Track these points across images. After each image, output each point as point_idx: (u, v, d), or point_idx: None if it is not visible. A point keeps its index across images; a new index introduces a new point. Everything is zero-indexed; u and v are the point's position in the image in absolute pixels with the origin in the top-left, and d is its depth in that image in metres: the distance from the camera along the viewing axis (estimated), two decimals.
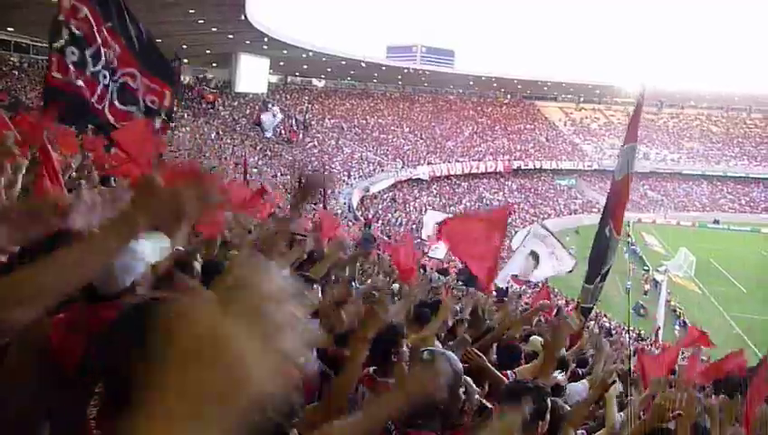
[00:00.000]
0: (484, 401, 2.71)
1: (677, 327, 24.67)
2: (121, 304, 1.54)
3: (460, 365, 2.14)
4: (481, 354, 3.17)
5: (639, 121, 7.20)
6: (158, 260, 1.90)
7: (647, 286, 30.82)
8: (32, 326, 1.24)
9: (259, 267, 0.61)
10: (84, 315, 1.65)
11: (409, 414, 2.02)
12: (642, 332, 22.26)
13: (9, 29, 28.99)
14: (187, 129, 33.04)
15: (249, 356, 0.54)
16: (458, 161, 48.28)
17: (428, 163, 46.04)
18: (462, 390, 2.11)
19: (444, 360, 2.13)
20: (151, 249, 1.85)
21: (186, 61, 37.19)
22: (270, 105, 39.07)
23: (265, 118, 37.51)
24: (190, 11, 25.60)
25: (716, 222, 47.41)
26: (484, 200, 46.39)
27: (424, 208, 41.51)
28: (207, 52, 36.01)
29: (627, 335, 9.22)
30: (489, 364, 3.15)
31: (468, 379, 2.60)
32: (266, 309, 0.57)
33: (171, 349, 0.54)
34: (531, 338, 7.14)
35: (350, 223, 27.88)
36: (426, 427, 2.00)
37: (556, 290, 27.30)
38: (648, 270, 33.83)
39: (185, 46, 33.37)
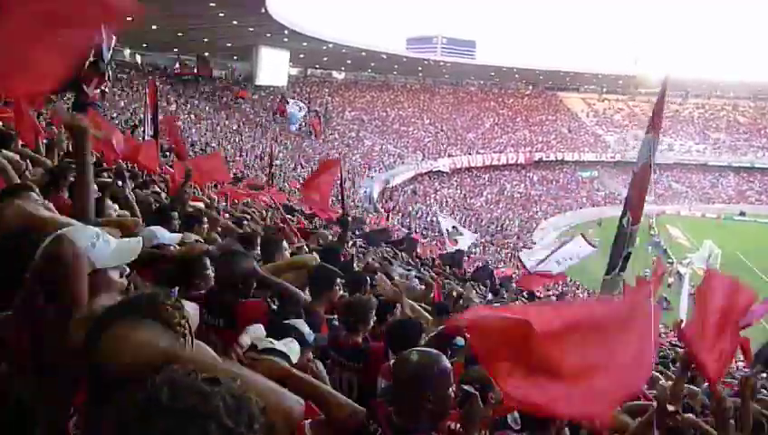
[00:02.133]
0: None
1: None
2: None
3: (448, 364, 2.12)
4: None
5: (663, 111, 7.04)
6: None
7: (670, 279, 30.43)
8: None
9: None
10: None
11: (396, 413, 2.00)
12: (666, 324, 21.99)
13: None
14: (208, 122, 33.33)
15: None
16: (479, 153, 48.02)
17: (449, 155, 45.87)
18: (451, 390, 2.08)
19: (434, 359, 2.11)
20: (114, 252, 1.78)
21: (207, 54, 37.54)
22: (290, 100, 39.21)
23: (291, 110, 37.61)
24: (211, 4, 25.78)
25: (743, 214, 46.54)
26: (506, 192, 46.15)
27: (445, 200, 41.45)
28: (228, 45, 36.24)
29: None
30: None
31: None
32: None
33: None
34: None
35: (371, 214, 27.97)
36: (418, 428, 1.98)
37: (577, 282, 27.11)
38: (671, 263, 33.37)
39: (206, 40, 33.67)
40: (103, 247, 1.72)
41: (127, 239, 1.90)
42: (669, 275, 31.19)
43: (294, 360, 2.16)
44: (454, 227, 21.31)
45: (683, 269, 30.88)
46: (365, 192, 34.77)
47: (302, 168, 33.28)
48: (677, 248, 35.84)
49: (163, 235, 3.41)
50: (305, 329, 2.75)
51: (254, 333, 2.29)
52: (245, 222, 6.77)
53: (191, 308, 1.85)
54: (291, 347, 2.23)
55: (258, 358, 1.92)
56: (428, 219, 36.57)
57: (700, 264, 29.12)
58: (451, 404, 2.08)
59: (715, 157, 54.25)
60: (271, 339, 2.23)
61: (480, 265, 21.07)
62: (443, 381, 2.01)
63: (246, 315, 2.84)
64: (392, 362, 2.52)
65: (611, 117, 58.41)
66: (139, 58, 37.31)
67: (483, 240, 36.69)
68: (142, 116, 18.97)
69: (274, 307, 3.26)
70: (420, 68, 52.01)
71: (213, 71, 39.09)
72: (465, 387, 2.60)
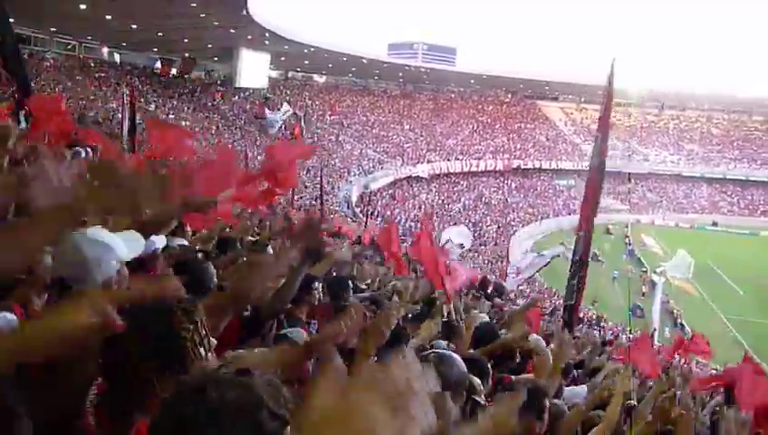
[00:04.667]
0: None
1: (668, 329, 24.76)
2: None
3: (464, 366, 2.17)
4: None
5: (611, 108, 7.01)
6: (132, 258, 1.92)
7: (644, 288, 30.88)
8: None
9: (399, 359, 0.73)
10: None
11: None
12: (639, 333, 22.27)
13: (10, 20, 28.91)
14: (187, 123, 33.02)
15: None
16: (458, 159, 48.25)
17: (428, 161, 46.01)
18: (465, 390, 2.13)
19: (451, 361, 2.16)
20: (126, 246, 1.87)
21: (187, 55, 37.23)
22: (279, 105, 39.02)
23: (270, 115, 37.44)
24: (192, 4, 25.56)
25: (715, 224, 47.48)
26: (483, 199, 46.42)
27: (423, 206, 41.54)
28: (209, 46, 35.97)
29: (624, 334, 9.23)
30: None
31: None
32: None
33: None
34: (530, 337, 7.14)
35: (350, 219, 27.89)
36: None
37: (554, 290, 27.35)
38: (645, 271, 33.87)
39: (186, 40, 33.34)
40: (120, 241, 1.83)
41: (128, 235, 1.96)
42: (643, 283, 31.67)
43: None
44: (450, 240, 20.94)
45: (656, 278, 31.37)
46: (344, 196, 34.70)
47: None
48: (651, 257, 36.37)
49: (159, 239, 3.39)
50: (300, 336, 2.73)
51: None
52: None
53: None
54: None
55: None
56: (407, 225, 36.62)
57: (674, 273, 29.66)
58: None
59: (689, 168, 55.27)
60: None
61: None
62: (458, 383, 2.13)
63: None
64: None
65: (589, 126, 59.13)
66: (117, 57, 36.83)
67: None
68: (119, 115, 18.81)
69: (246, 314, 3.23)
70: (401, 74, 52.19)
71: (192, 72, 38.84)
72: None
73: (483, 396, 2.67)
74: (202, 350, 1.36)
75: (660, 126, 60.08)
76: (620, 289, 28.20)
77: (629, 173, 50.71)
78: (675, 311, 27.59)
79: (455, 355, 2.34)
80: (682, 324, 25.63)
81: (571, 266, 7.28)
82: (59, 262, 1.80)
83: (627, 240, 40.41)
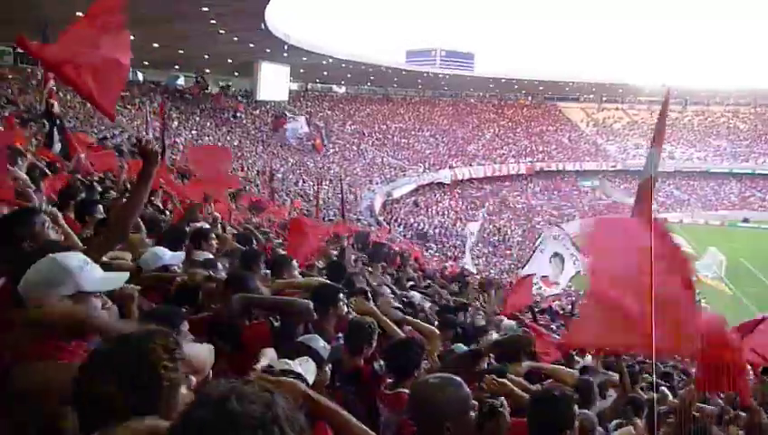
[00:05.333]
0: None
1: None
2: None
3: (467, 390, 2.14)
4: (504, 381, 3.11)
5: (665, 124, 6.98)
6: (104, 291, 2.00)
7: None
8: None
9: None
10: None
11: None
12: None
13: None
14: (210, 138, 33.42)
15: None
16: (480, 164, 48.08)
17: (450, 167, 45.90)
18: (472, 413, 2.10)
19: (452, 385, 2.12)
20: (99, 279, 1.96)
21: (207, 71, 37.75)
22: (294, 117, 39.34)
23: (289, 126, 37.77)
24: (212, 21, 25.90)
25: (746, 221, 46.45)
26: (507, 203, 46.15)
27: (446, 212, 41.42)
28: (230, 61, 36.44)
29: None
30: (513, 387, 3.09)
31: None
32: None
33: None
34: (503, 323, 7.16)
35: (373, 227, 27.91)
36: None
37: (580, 292, 26.96)
38: None
39: (207, 56, 33.84)
40: (91, 272, 1.91)
41: (114, 274, 2.12)
42: None
43: (311, 379, 2.15)
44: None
45: None
46: (367, 205, 34.77)
47: (304, 182, 33.32)
48: None
49: (164, 254, 3.47)
50: (319, 344, 2.72)
51: (269, 356, 2.30)
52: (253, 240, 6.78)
53: (206, 349, 1.95)
54: (306, 367, 2.22)
55: (279, 380, 1.90)
56: (430, 232, 36.56)
57: (705, 271, 29.02)
58: (472, 427, 2.09)
59: (717, 164, 54.25)
60: (286, 360, 2.22)
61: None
62: (462, 407, 2.04)
63: (252, 338, 2.85)
64: (412, 386, 2.48)
65: (611, 126, 58.52)
66: (141, 75, 37.55)
67: (485, 250, 36.64)
68: (144, 133, 19.09)
69: (277, 325, 3.25)
70: (420, 81, 52.22)
71: (210, 87, 39.41)
72: (491, 401, 2.57)
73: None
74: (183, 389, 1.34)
75: (685, 122, 59.10)
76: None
77: (654, 174, 49.86)
78: (707, 309, 27.02)
79: (457, 378, 2.29)
80: None
81: None
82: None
83: None
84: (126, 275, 2.14)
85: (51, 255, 1.91)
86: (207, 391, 1.02)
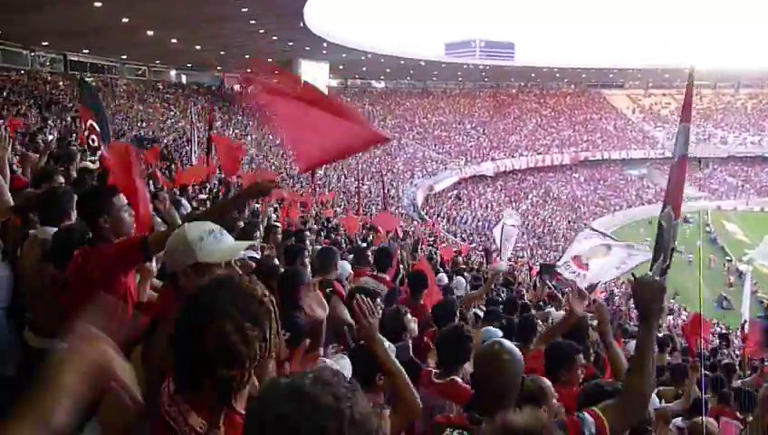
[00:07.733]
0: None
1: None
2: None
3: (520, 354, 2.14)
4: None
5: (692, 101, 6.69)
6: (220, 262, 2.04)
7: (731, 278, 29.28)
8: None
9: None
10: None
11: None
12: (728, 325, 21.16)
13: (85, 51, 30.68)
14: (253, 136, 33.93)
15: None
16: (523, 155, 47.42)
17: (492, 159, 45.43)
18: (520, 379, 2.10)
19: (508, 352, 2.11)
20: (216, 251, 1.98)
21: (249, 71, 38.22)
22: None
23: None
24: (251, 22, 26.25)
25: None
26: (552, 194, 45.38)
27: (490, 205, 41.02)
28: (269, 60, 36.82)
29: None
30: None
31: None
32: None
33: None
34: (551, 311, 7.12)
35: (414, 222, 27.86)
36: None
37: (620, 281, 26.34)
38: (730, 260, 32.11)
39: (247, 56, 34.33)
40: (210, 244, 1.91)
41: (235, 243, 2.09)
42: (729, 273, 30.02)
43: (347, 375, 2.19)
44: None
45: (743, 267, 29.60)
46: (409, 200, 34.74)
47: (345, 178, 33.50)
48: (736, 245, 34.43)
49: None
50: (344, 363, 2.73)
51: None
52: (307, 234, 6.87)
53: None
54: (342, 363, 2.27)
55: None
56: (473, 225, 36.27)
57: (762, 260, 27.94)
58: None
59: None
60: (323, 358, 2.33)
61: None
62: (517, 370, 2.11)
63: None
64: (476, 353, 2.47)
65: (658, 112, 56.77)
66: (184, 78, 38.40)
67: (530, 243, 36.12)
68: (189, 135, 19.47)
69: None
70: (459, 73, 51.76)
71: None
72: None
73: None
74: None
75: (738, 106, 56.87)
76: (702, 280, 26.82)
77: (700, 158, 48.36)
78: (765, 300, 25.98)
79: (511, 344, 2.27)
80: None
81: (662, 256, 6.90)
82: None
83: (708, 228, 38.43)
84: (245, 243, 2.27)
85: (184, 224, 2.01)
86: (277, 381, 1.04)
